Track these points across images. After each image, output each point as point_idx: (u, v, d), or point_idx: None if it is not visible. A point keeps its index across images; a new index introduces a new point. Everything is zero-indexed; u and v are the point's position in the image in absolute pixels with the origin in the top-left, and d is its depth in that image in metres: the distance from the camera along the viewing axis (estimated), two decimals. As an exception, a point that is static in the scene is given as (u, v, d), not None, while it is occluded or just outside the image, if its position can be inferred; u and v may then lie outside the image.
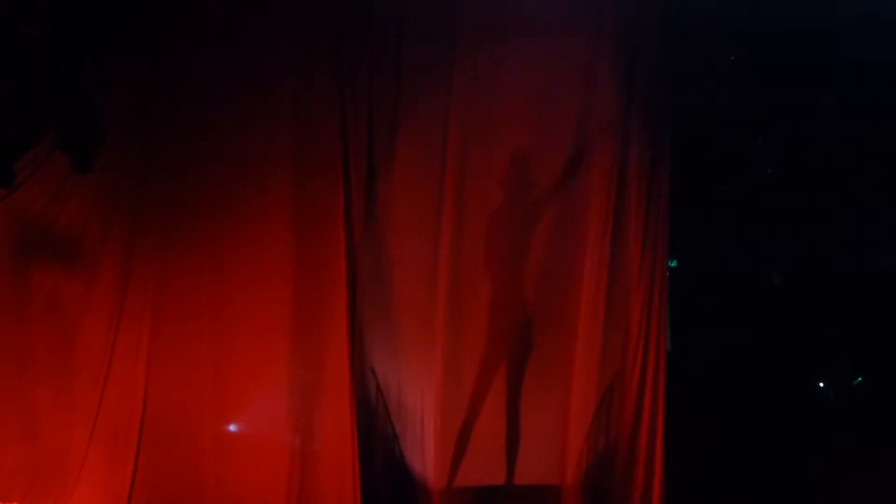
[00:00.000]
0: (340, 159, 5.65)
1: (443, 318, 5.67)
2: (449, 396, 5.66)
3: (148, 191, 5.57)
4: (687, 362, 6.12)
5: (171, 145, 5.58)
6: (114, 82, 5.48)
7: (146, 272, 5.54)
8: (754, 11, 5.90)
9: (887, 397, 5.92)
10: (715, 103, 6.08)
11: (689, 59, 5.90)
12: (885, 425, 5.87)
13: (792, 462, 6.10)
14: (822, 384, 6.30)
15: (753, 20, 5.93)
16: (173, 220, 5.59)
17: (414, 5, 5.77)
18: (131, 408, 5.49)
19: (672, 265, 6.05)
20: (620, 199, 5.77)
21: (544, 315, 5.85)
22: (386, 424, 5.73)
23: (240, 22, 5.63)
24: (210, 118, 5.60)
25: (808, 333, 6.23)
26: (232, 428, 5.61)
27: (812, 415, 6.18)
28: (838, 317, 6.18)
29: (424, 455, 5.68)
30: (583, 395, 5.73)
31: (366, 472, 5.52)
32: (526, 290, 5.83)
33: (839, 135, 6.16)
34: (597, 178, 5.79)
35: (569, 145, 5.84)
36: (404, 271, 5.79)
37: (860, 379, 6.25)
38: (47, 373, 5.48)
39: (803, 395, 6.25)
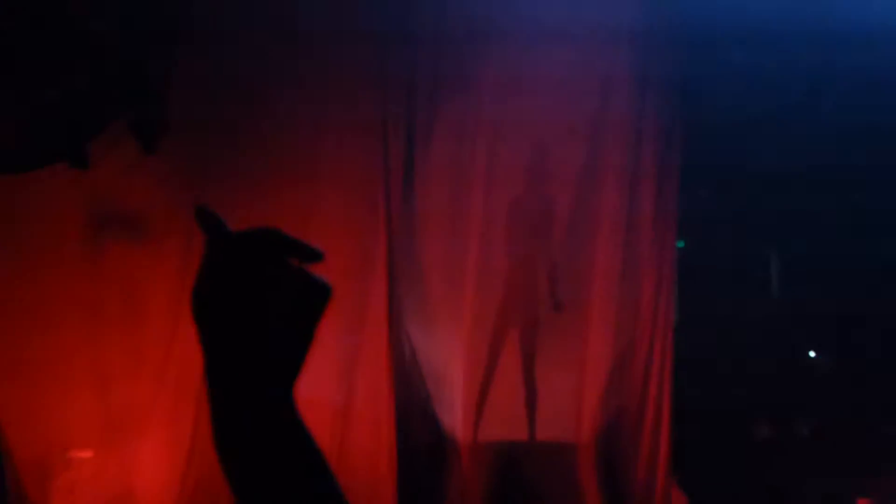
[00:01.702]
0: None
1: (472, 291, 6.28)
2: (474, 360, 6.28)
3: (208, 174, 6.12)
4: (692, 333, 6.65)
5: (226, 136, 6.15)
6: (177, 76, 6.05)
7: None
8: (766, 20, 6.20)
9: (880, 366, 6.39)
10: (726, 111, 6.49)
11: (701, 68, 6.30)
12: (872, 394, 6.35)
13: (788, 426, 6.64)
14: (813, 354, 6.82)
15: (765, 28, 6.23)
16: (230, 202, 6.14)
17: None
18: (193, 364, 6.05)
19: (680, 245, 6.56)
20: (634, 195, 6.35)
21: (563, 289, 6.45)
22: (420, 386, 6.33)
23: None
24: (260, 123, 6.19)
25: (806, 308, 6.72)
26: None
27: (807, 382, 6.70)
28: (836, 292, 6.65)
29: (453, 413, 6.30)
30: (597, 361, 6.33)
31: (401, 429, 6.09)
32: (548, 266, 6.42)
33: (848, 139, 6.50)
34: (611, 182, 6.38)
35: (584, 153, 6.41)
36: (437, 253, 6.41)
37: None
38: (117, 331, 6.03)
39: (800, 364, 6.76)
